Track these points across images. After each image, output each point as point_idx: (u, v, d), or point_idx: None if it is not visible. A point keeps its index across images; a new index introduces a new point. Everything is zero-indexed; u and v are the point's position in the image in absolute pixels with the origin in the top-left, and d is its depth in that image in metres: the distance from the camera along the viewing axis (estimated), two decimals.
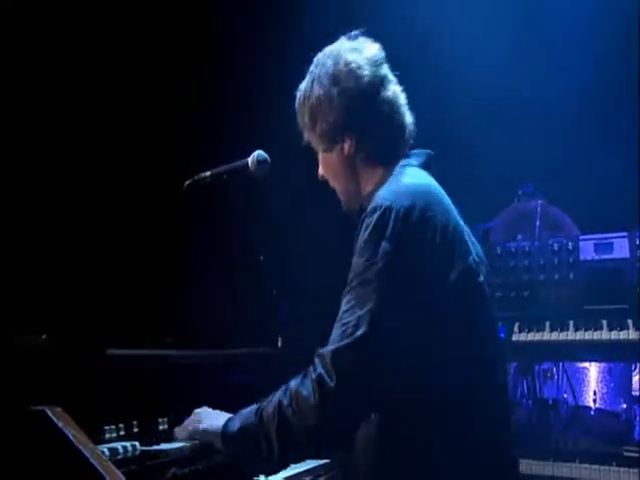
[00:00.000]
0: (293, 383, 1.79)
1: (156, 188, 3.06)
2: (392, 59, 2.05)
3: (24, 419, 1.60)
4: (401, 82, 2.06)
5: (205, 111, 3.42)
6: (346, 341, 1.71)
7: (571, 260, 3.49)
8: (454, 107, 4.38)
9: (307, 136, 2.08)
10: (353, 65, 1.97)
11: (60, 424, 1.58)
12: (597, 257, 3.46)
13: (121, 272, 2.89)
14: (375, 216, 1.78)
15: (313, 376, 1.73)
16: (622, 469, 3.08)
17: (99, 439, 1.85)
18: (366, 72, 1.96)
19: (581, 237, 3.56)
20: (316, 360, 1.75)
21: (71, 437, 1.57)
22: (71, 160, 2.84)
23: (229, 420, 1.93)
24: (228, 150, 2.63)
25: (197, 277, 3.12)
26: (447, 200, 1.93)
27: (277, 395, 1.82)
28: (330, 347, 1.74)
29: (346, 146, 1.98)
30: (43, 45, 2.71)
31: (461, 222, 1.92)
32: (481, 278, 1.87)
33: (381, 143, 1.99)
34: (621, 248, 3.39)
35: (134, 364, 2.15)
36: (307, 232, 2.16)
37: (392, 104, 1.99)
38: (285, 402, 1.77)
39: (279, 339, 2.81)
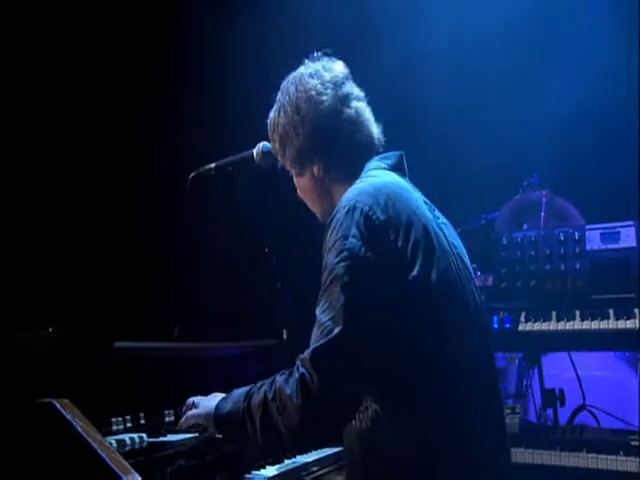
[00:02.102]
0: (279, 379, 1.81)
1: (160, 181, 3.06)
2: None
3: (32, 411, 1.60)
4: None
5: (210, 102, 3.41)
6: (323, 341, 1.74)
7: (577, 250, 3.46)
8: (459, 98, 4.37)
9: (281, 161, 2.15)
10: (312, 92, 2.03)
11: (68, 416, 1.59)
12: (604, 246, 3.43)
13: (127, 266, 2.89)
14: (340, 216, 1.82)
15: (297, 375, 1.76)
16: (629, 458, 3.06)
17: (106, 431, 1.87)
18: (325, 97, 2.03)
19: (587, 226, 3.54)
20: (298, 362, 1.78)
21: (79, 429, 1.58)
22: (75, 154, 2.84)
23: (220, 402, 1.97)
24: (233, 141, 2.63)
25: (203, 270, 3.12)
26: (415, 197, 1.96)
27: (265, 386, 1.85)
28: (309, 348, 1.76)
29: (315, 169, 2.06)
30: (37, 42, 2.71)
31: (430, 217, 1.93)
32: (455, 273, 1.88)
33: (348, 161, 2.05)
34: (628, 237, 3.36)
35: (140, 357, 2.16)
36: (313, 223, 2.16)
37: (355, 122, 2.05)
38: (270, 396, 1.81)
39: (284, 331, 2.81)
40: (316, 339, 1.76)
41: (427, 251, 1.83)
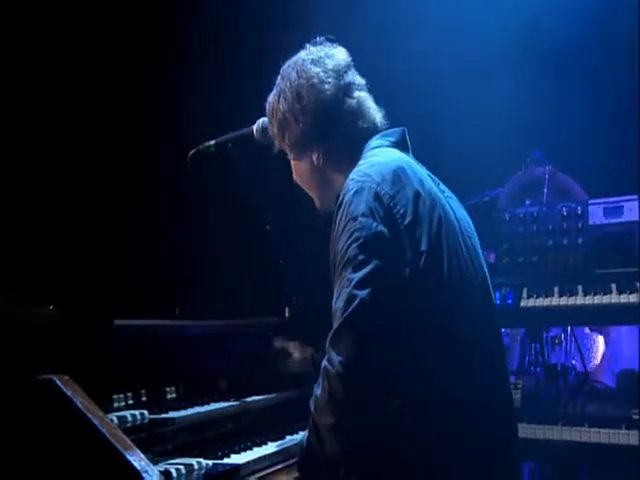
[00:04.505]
0: (315, 386, 1.77)
1: (160, 159, 3.05)
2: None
3: (32, 388, 1.60)
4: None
5: (209, 79, 3.39)
6: (337, 324, 1.70)
7: (580, 225, 3.44)
8: (461, 74, 4.33)
9: (278, 145, 2.13)
10: (315, 80, 2.00)
11: (68, 392, 1.59)
12: (606, 221, 3.41)
13: (129, 243, 2.89)
14: (347, 198, 1.80)
15: (322, 371, 1.72)
16: (631, 432, 3.07)
17: (108, 408, 1.87)
18: (327, 86, 2.00)
19: (590, 201, 3.51)
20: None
21: (79, 405, 1.58)
22: (77, 133, 2.83)
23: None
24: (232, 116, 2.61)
25: (205, 248, 3.12)
26: (420, 171, 1.94)
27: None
28: (329, 335, 1.72)
29: (314, 157, 2.04)
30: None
31: (436, 191, 1.92)
32: (462, 246, 1.89)
33: (348, 149, 2.03)
34: (631, 211, 3.34)
35: (142, 334, 2.16)
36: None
37: (356, 112, 2.03)
38: (312, 407, 1.76)
39: (286, 309, 2.81)
40: (335, 325, 1.72)
41: (435, 225, 1.82)
